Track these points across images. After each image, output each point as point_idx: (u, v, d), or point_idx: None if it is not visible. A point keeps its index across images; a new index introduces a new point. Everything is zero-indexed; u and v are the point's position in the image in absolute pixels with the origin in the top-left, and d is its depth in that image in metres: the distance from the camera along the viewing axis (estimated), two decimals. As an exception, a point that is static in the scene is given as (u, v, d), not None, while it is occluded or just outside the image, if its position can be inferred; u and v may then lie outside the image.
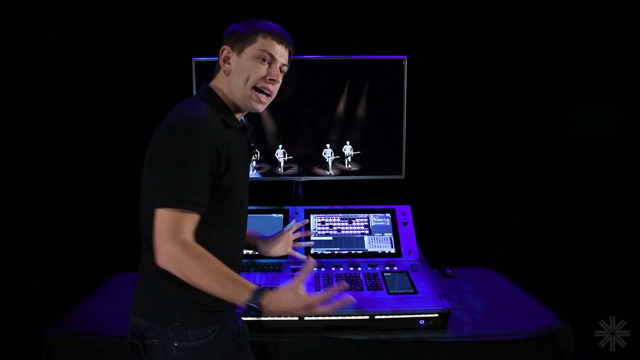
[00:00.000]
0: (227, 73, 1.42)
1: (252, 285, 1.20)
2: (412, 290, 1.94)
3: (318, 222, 2.33)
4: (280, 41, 1.43)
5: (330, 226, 2.32)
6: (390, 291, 1.93)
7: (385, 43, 2.70)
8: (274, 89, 1.46)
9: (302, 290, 1.22)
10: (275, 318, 1.80)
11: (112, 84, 2.66)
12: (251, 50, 1.40)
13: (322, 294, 1.20)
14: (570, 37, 2.67)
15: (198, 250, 1.21)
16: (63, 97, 2.59)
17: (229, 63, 1.42)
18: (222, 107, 1.41)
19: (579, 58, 2.69)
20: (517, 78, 2.77)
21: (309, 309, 1.20)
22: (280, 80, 1.48)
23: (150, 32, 2.63)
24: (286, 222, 2.29)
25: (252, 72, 1.40)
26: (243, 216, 1.49)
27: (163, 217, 1.21)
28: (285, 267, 2.12)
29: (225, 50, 1.43)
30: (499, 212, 2.90)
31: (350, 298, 1.24)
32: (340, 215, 2.35)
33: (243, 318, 1.67)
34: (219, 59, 1.44)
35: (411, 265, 2.15)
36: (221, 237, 1.38)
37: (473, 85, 2.80)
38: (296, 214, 2.34)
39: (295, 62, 2.32)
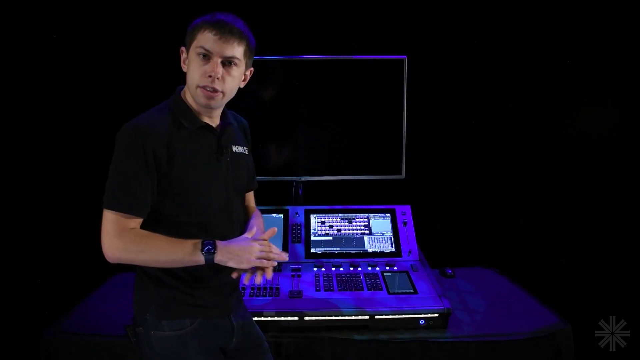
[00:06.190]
0: (187, 74, 1.39)
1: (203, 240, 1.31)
2: (412, 290, 1.94)
3: (318, 222, 2.33)
4: (218, 32, 1.31)
5: (330, 226, 2.32)
6: (390, 291, 1.93)
7: (385, 43, 2.70)
8: (220, 86, 1.35)
9: (250, 241, 1.36)
10: (275, 318, 1.80)
11: (113, 85, 2.66)
12: (193, 48, 1.35)
13: (262, 235, 1.42)
14: (570, 37, 2.67)
15: (143, 233, 1.29)
16: (63, 97, 2.59)
17: (185, 64, 1.40)
18: (182, 109, 1.39)
19: (578, 58, 2.69)
20: (517, 78, 2.77)
21: (256, 253, 1.34)
22: (233, 76, 1.37)
23: (151, 32, 2.63)
24: (286, 222, 2.29)
25: (195, 70, 1.34)
26: (213, 216, 1.42)
27: (107, 218, 1.29)
28: (285, 267, 2.12)
29: (182, 51, 1.41)
30: (499, 212, 2.90)
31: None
32: (340, 215, 2.35)
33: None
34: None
35: (411, 265, 2.15)
36: (183, 236, 1.34)
37: (473, 85, 2.80)
38: (296, 213, 2.34)
39: (296, 62, 2.34)
